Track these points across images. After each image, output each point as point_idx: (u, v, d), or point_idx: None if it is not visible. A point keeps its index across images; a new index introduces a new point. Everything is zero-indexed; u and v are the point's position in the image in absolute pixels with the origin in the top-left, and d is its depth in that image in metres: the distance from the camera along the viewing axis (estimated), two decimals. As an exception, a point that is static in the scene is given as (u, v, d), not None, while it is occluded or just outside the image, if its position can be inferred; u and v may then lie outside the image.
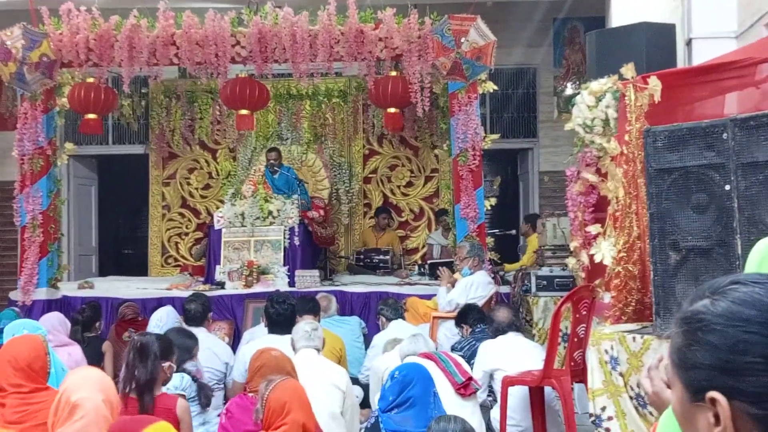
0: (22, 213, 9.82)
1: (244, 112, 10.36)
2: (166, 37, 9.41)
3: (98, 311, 8.39)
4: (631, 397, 4.84)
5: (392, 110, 10.15)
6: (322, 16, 9.23)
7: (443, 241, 12.16)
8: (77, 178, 13.89)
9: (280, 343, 5.97)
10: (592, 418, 5.07)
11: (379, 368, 6.36)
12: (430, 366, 5.62)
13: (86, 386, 3.66)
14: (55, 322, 6.75)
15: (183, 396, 5.13)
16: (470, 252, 8.92)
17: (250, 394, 4.65)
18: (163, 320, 6.67)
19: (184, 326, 7.35)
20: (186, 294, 9.41)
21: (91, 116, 10.32)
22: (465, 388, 5.67)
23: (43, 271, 9.82)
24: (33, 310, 9.28)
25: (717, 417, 1.32)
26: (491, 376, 6.56)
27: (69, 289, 10.59)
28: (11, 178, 10.67)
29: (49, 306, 9.45)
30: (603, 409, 4.99)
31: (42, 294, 9.76)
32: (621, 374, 4.89)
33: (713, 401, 1.32)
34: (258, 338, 7.13)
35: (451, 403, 5.44)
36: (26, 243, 9.78)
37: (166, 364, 4.83)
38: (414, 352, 5.89)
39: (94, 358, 7.48)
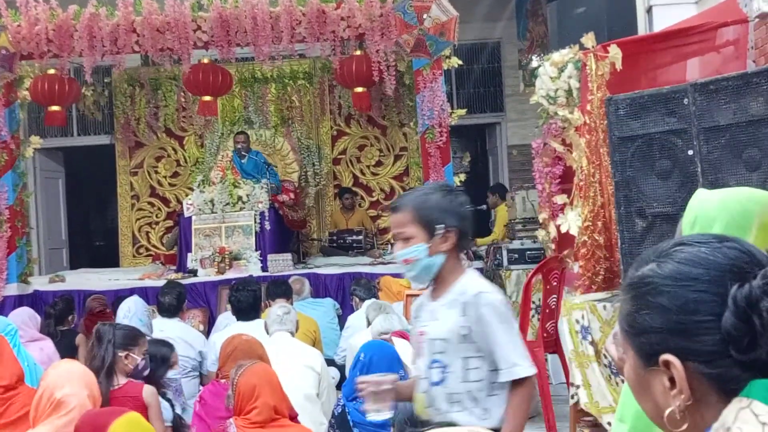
0: (-12, 209, 9.72)
1: (207, 98, 10.30)
2: (126, 24, 9.32)
3: (71, 305, 8.32)
4: (605, 365, 4.87)
5: (359, 90, 10.11)
6: (283, -3, 9.18)
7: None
8: (44, 171, 13.76)
9: (248, 329, 5.95)
10: (573, 388, 5.11)
11: (355, 347, 6.36)
12: (404, 344, 5.62)
13: (70, 382, 3.64)
14: (25, 317, 6.69)
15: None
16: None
17: (222, 381, 4.63)
18: (131, 310, 6.61)
19: (158, 316, 7.32)
20: (158, 283, 9.36)
21: (55, 108, 10.23)
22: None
23: (12, 267, 9.73)
24: (4, 306, 9.19)
25: (672, 380, 1.32)
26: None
27: (40, 283, 10.51)
28: (-25, 174, 10.54)
29: (20, 301, 9.36)
30: (573, 377, 5.03)
31: (13, 289, 9.68)
32: (592, 343, 4.92)
33: (667, 364, 1.31)
34: (228, 326, 7.11)
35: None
36: (-5, 239, 9.69)
37: (123, 354, 4.74)
38: (387, 330, 5.89)
39: (68, 352, 7.42)
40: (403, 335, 5.83)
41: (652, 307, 1.35)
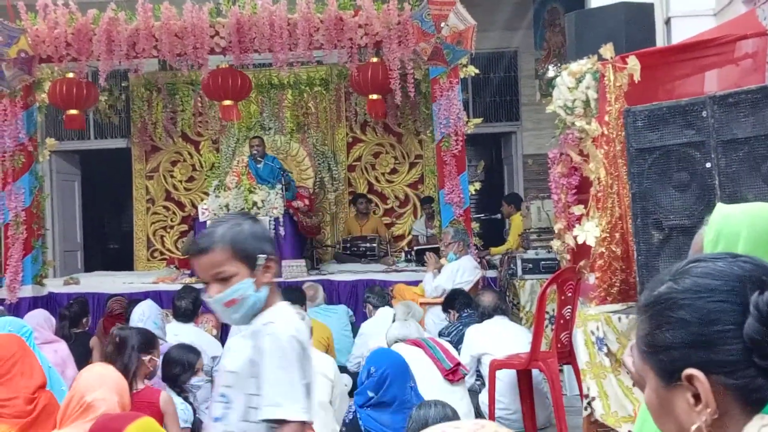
0: (4, 210, 9.77)
1: (227, 102, 10.32)
2: (145, 29, 9.37)
3: (85, 307, 8.35)
4: (626, 373, 4.84)
5: (374, 97, 10.12)
6: (301, 4, 9.21)
7: (426, 231, 12.17)
8: (60, 174, 13.82)
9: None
10: (587, 399, 5.09)
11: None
12: (418, 353, 5.63)
13: (102, 386, 3.65)
14: (40, 320, 6.71)
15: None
16: (454, 237, 8.92)
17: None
18: (146, 314, 6.63)
19: (172, 320, 7.34)
20: (173, 287, 9.40)
21: (74, 112, 10.27)
22: (453, 373, 5.68)
23: (27, 269, 9.78)
24: (19, 308, 9.23)
25: (696, 396, 1.31)
26: (479, 361, 6.57)
27: (55, 285, 10.55)
28: (-7, 176, 10.60)
29: (35, 303, 9.40)
30: (588, 389, 5.01)
31: (28, 291, 9.73)
32: (608, 354, 4.90)
33: (690, 379, 1.31)
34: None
35: (439, 389, 5.45)
36: (10, 240, 9.73)
37: (146, 358, 4.80)
38: (404, 337, 5.90)
39: (82, 354, 7.46)
40: (417, 343, 5.83)
41: (672, 322, 1.34)
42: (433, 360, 5.68)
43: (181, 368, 5.34)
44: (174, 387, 5.25)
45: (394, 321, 6.59)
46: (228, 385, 2.72)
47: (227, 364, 2.77)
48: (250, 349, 2.66)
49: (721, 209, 2.38)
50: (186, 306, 7.38)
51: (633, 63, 5.39)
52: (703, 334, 1.31)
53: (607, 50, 5.64)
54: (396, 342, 5.82)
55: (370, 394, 5.09)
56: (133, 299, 8.94)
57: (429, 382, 5.39)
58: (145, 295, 9.25)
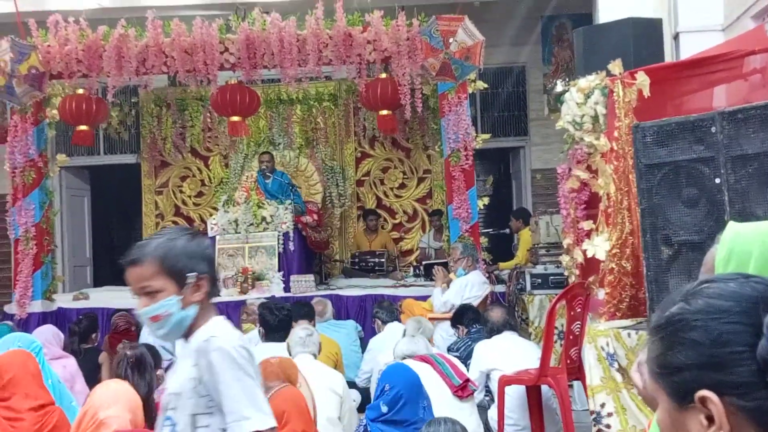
0: (15, 226, 9.81)
1: (235, 118, 10.35)
2: (154, 45, 9.41)
3: (95, 322, 8.37)
4: (633, 394, 4.84)
5: (385, 112, 10.13)
6: (310, 20, 9.24)
7: (435, 244, 12.18)
8: (70, 189, 13.86)
9: (275, 351, 5.96)
10: (593, 415, 5.07)
11: (382, 365, 6.35)
12: (426, 369, 5.62)
13: (116, 404, 3.65)
14: (48, 335, 6.74)
15: None
16: (464, 252, 8.92)
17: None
18: (156, 330, 6.65)
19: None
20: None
21: (83, 128, 10.31)
22: (462, 390, 5.67)
23: (37, 284, 9.81)
24: (29, 323, 9.26)
25: (709, 418, 1.31)
26: (488, 376, 6.56)
27: (64, 300, 10.57)
28: (3, 191, 10.66)
29: (44, 318, 9.43)
30: (602, 405, 4.99)
31: (37, 306, 9.75)
32: (619, 369, 4.89)
33: (703, 401, 1.30)
34: (253, 347, 7.11)
35: (448, 405, 5.44)
36: (20, 256, 9.77)
37: (159, 372, 4.83)
38: (412, 353, 5.89)
39: (91, 370, 7.47)
40: (425, 359, 5.82)
41: (684, 344, 1.34)
42: (441, 376, 5.67)
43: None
44: None
45: (404, 334, 6.59)
46: (172, 407, 2.65)
47: (170, 386, 2.72)
48: (190, 368, 2.61)
49: (732, 227, 2.38)
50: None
51: (642, 78, 5.40)
52: (715, 355, 1.30)
53: (616, 66, 5.65)
54: (404, 358, 5.81)
55: (383, 409, 5.09)
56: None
57: (438, 399, 5.38)
58: (128, 311, 9.27)
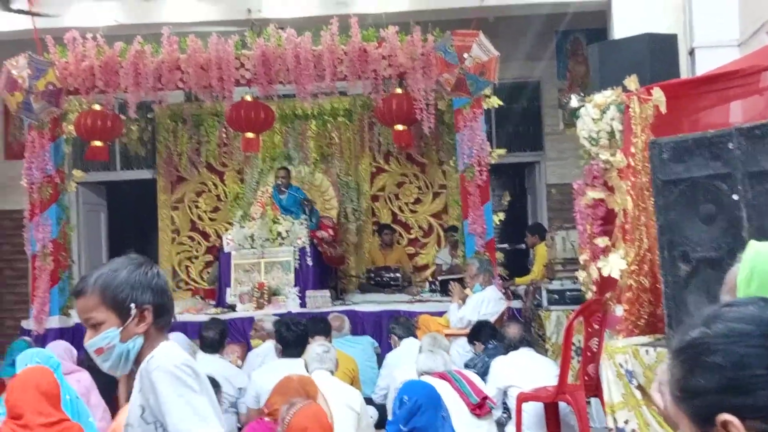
0: (32, 241, 9.85)
1: (249, 134, 10.38)
2: (171, 61, 9.46)
3: (111, 338, 8.37)
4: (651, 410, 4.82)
5: (400, 127, 10.14)
6: (325, 36, 9.27)
7: (450, 260, 12.16)
8: (86, 205, 13.92)
9: (292, 367, 5.96)
10: (614, 432, 5.05)
11: (399, 380, 6.35)
12: (444, 386, 5.61)
13: None
14: (60, 351, 6.75)
15: None
16: (480, 268, 8.90)
17: (267, 419, 4.63)
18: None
19: (199, 352, 7.36)
20: (198, 318, 9.43)
21: (97, 143, 10.35)
22: (479, 407, 5.66)
23: (54, 299, 9.84)
24: (46, 339, 9.27)
25: None
26: (505, 393, 6.55)
27: (81, 316, 10.58)
28: (21, 207, 10.70)
29: (61, 334, 9.44)
30: (626, 422, 4.96)
31: (54, 322, 9.78)
32: (638, 387, 4.87)
33: (725, 424, 1.31)
34: (267, 363, 7.12)
35: (465, 423, 5.44)
36: (37, 271, 9.80)
37: None
38: (431, 370, 5.89)
39: (108, 385, 7.47)
40: (443, 376, 5.82)
41: (705, 368, 1.34)
42: (459, 394, 5.66)
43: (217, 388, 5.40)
44: None
45: (420, 352, 6.58)
46: None
47: (126, 419, 2.64)
48: (136, 394, 2.56)
49: (753, 246, 2.38)
50: (213, 337, 7.42)
51: (658, 94, 5.39)
52: (736, 379, 1.31)
53: (632, 82, 5.65)
54: (422, 374, 5.81)
55: (401, 423, 5.09)
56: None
57: (455, 416, 5.37)
58: (170, 326, 9.29)
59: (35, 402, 4.38)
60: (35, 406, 4.37)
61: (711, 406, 1.32)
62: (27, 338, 9.10)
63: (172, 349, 2.60)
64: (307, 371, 5.79)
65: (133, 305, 2.57)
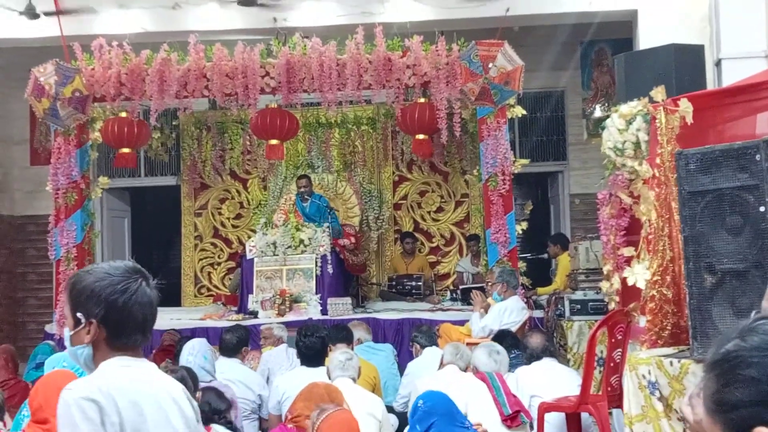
0: (56, 247, 9.91)
1: (274, 142, 10.41)
2: (196, 69, 9.51)
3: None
4: (679, 419, 4.78)
5: (421, 137, 10.14)
6: (350, 45, 9.29)
7: (472, 268, 12.15)
8: (110, 211, 14.01)
9: (312, 375, 5.98)
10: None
11: (420, 389, 6.35)
12: (481, 389, 5.62)
13: None
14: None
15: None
16: (498, 278, 8.88)
17: (290, 426, 4.65)
18: (195, 349, 6.72)
19: (219, 357, 7.38)
20: (220, 324, 9.47)
21: (126, 150, 10.42)
22: (512, 419, 5.64)
23: (78, 304, 9.87)
24: (69, 343, 9.32)
25: None
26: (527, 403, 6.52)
27: (104, 320, 10.64)
28: (46, 212, 10.78)
29: (84, 338, 9.48)
30: (639, 433, 4.94)
31: (78, 326, 9.82)
32: (660, 398, 4.85)
33: None
34: (290, 370, 7.14)
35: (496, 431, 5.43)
36: (61, 276, 9.85)
37: (197, 395, 4.92)
38: (481, 367, 5.98)
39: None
40: (483, 378, 5.86)
41: (740, 381, 1.34)
42: (494, 401, 5.66)
43: (227, 404, 5.43)
44: (227, 423, 5.31)
45: (442, 362, 6.58)
46: None
47: None
48: None
49: None
50: (230, 339, 7.46)
51: (685, 105, 5.38)
52: None
53: (659, 92, 5.64)
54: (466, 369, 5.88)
55: (418, 427, 5.09)
56: (181, 335, 9.05)
57: (487, 424, 5.37)
58: (192, 332, 9.36)
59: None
60: None
61: (746, 419, 1.32)
62: (51, 342, 9.18)
63: (100, 376, 2.48)
64: (329, 378, 5.81)
65: (80, 314, 2.51)
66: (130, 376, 2.49)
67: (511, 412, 5.65)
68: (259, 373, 7.92)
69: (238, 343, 7.54)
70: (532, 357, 6.76)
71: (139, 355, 2.59)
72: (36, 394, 4.55)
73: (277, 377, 7.30)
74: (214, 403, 5.38)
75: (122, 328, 2.52)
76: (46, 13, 9.89)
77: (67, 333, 2.56)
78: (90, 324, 2.50)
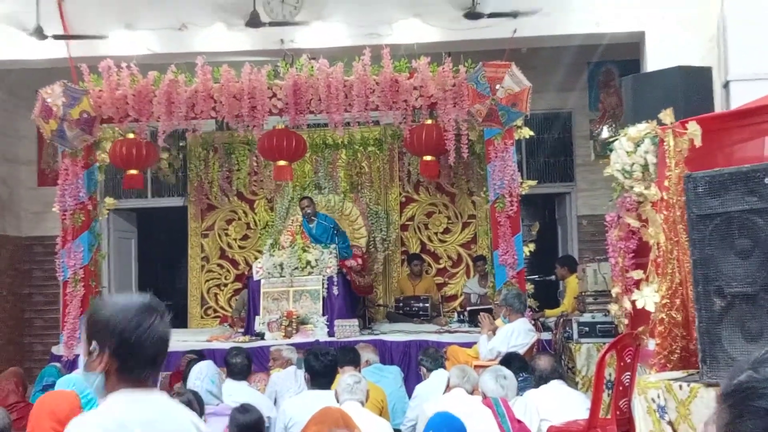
0: (64, 268, 9.92)
1: (281, 163, 10.41)
2: (204, 91, 9.53)
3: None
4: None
5: (428, 158, 10.14)
6: (357, 66, 9.31)
7: (479, 290, 12.12)
8: (117, 232, 14.03)
9: (320, 399, 5.95)
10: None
11: (427, 413, 6.32)
12: (485, 414, 5.58)
13: None
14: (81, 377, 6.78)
15: None
16: (502, 301, 8.86)
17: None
18: (203, 372, 6.69)
19: (226, 380, 7.35)
20: (226, 345, 9.43)
21: (133, 172, 10.44)
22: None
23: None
24: (74, 365, 9.30)
25: None
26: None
27: (111, 342, 10.62)
28: (53, 233, 10.80)
29: (91, 360, 9.46)
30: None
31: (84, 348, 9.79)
32: (669, 423, 4.81)
33: None
34: (297, 395, 7.11)
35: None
36: (68, 298, 9.86)
37: (203, 418, 4.91)
38: (488, 393, 5.93)
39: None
40: (488, 404, 5.82)
41: (752, 412, 1.32)
42: (499, 428, 5.62)
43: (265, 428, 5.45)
44: None
45: (448, 385, 6.54)
46: None
47: None
48: None
49: None
50: (240, 363, 7.44)
51: (693, 128, 5.36)
52: None
53: (667, 115, 5.62)
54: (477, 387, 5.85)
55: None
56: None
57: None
58: (199, 353, 9.32)
59: (46, 428, 4.34)
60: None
61: None
62: (57, 364, 9.15)
63: (108, 411, 2.50)
64: (338, 402, 5.78)
65: (94, 343, 2.56)
66: (135, 412, 2.51)
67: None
68: (267, 395, 7.91)
69: (249, 365, 7.54)
70: (541, 379, 6.73)
71: (150, 387, 2.61)
72: (31, 417, 4.53)
73: (284, 401, 7.26)
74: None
75: (133, 361, 2.56)
76: (55, 37, 9.92)
77: (81, 358, 2.63)
78: (102, 354, 2.54)
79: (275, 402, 7.59)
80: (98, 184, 10.67)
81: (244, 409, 5.53)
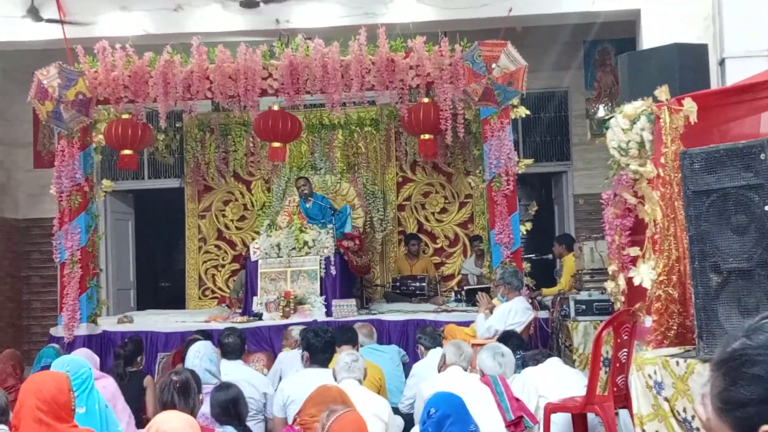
0: (61, 250, 9.91)
1: (276, 144, 10.40)
2: (199, 71, 9.50)
3: (140, 346, 8.42)
4: (678, 421, 4.78)
5: (426, 137, 10.12)
6: (353, 46, 9.28)
7: (476, 270, 12.14)
8: (114, 213, 14.03)
9: (317, 377, 5.97)
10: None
11: (425, 392, 6.33)
12: (485, 393, 5.60)
13: (178, 422, 3.72)
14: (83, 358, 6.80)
15: None
16: (500, 280, 8.88)
17: (298, 427, 4.64)
18: (201, 352, 6.71)
19: (222, 360, 7.38)
20: (224, 326, 9.46)
21: (127, 152, 10.41)
22: (515, 425, 5.61)
23: (82, 307, 9.89)
24: (74, 346, 9.31)
25: None
26: (533, 403, 6.50)
27: (108, 323, 10.68)
28: (50, 215, 10.79)
29: (89, 341, 9.50)
30: (649, 432, 4.92)
31: (82, 329, 9.83)
32: (666, 399, 4.83)
33: None
34: (297, 372, 7.13)
35: (498, 436, 5.42)
36: (66, 279, 9.86)
37: (201, 396, 4.95)
38: (486, 371, 5.94)
39: (136, 393, 7.53)
40: (487, 382, 5.83)
41: (747, 379, 1.34)
42: (497, 406, 5.64)
43: (245, 406, 5.48)
44: (239, 425, 5.32)
45: (443, 361, 6.56)
46: None
47: None
48: None
49: None
50: (234, 342, 7.45)
51: (689, 105, 5.36)
52: None
53: (663, 92, 5.62)
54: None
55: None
56: (185, 338, 9.03)
57: (489, 428, 5.35)
58: (205, 334, 9.35)
59: (31, 412, 4.25)
60: (33, 416, 4.24)
61: (753, 417, 1.32)
62: (55, 345, 9.17)
63: None
64: (335, 380, 5.80)
65: None
66: None
67: (513, 417, 5.62)
68: (273, 373, 7.95)
69: (242, 344, 7.56)
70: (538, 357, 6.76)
71: None
72: (19, 394, 4.47)
73: (283, 380, 7.28)
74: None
75: None
76: (49, 20, 9.88)
77: None
78: None
79: (280, 380, 7.62)
80: (94, 166, 10.66)
81: (223, 386, 5.60)
